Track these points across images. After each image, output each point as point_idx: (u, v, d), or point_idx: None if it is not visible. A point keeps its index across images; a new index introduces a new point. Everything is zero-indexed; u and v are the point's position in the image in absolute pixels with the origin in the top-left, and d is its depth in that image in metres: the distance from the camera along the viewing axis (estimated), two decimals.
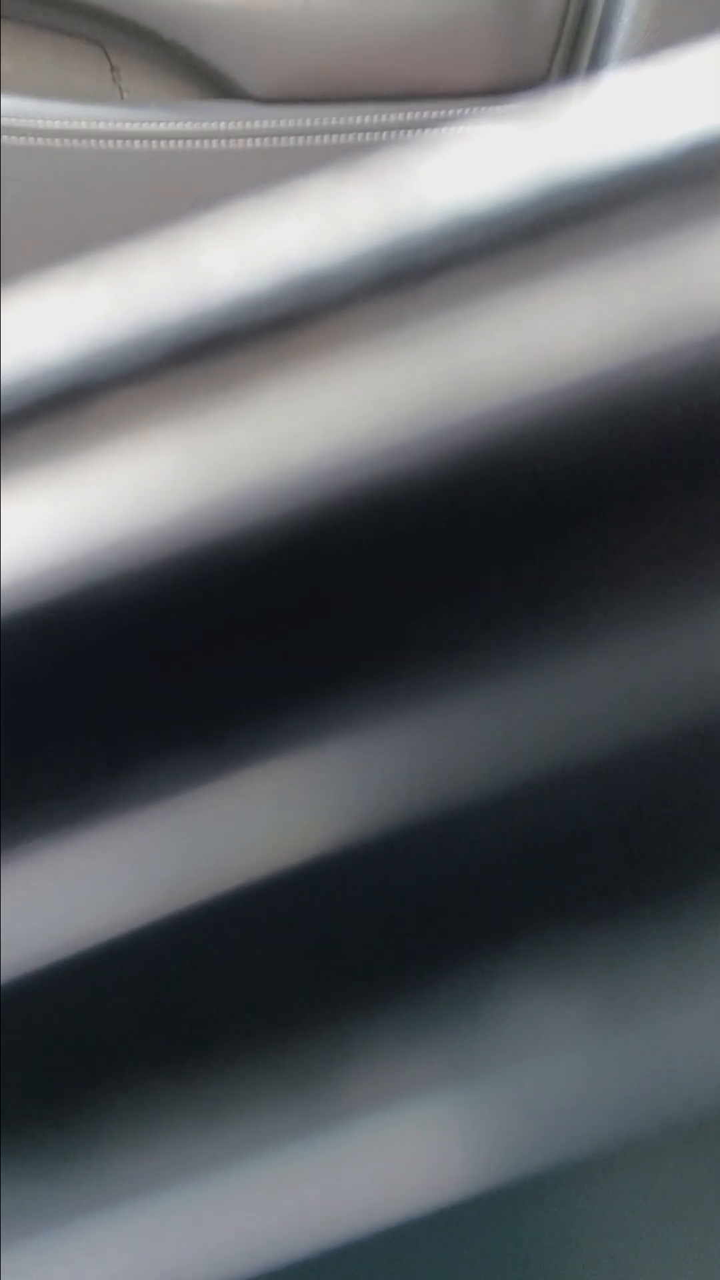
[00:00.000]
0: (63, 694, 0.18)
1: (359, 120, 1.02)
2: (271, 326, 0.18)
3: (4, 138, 1.01)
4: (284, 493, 0.18)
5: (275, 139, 1.02)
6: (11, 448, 0.18)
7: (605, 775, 0.18)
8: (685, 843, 0.19)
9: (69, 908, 0.18)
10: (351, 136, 1.02)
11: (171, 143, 1.02)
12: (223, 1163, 0.19)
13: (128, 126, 1.01)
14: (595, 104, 0.20)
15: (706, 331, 0.18)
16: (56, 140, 1.01)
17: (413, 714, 0.18)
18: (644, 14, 0.99)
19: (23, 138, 1.01)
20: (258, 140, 1.02)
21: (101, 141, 1.01)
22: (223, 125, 1.02)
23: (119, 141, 1.01)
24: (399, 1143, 0.19)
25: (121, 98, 1.04)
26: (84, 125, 1.01)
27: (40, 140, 1.01)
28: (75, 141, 1.01)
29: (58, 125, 1.01)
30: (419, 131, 1.03)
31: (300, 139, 1.02)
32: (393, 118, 1.03)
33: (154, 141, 1.01)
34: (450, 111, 1.03)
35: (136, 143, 1.01)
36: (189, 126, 1.02)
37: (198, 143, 1.02)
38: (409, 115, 1.03)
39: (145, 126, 1.01)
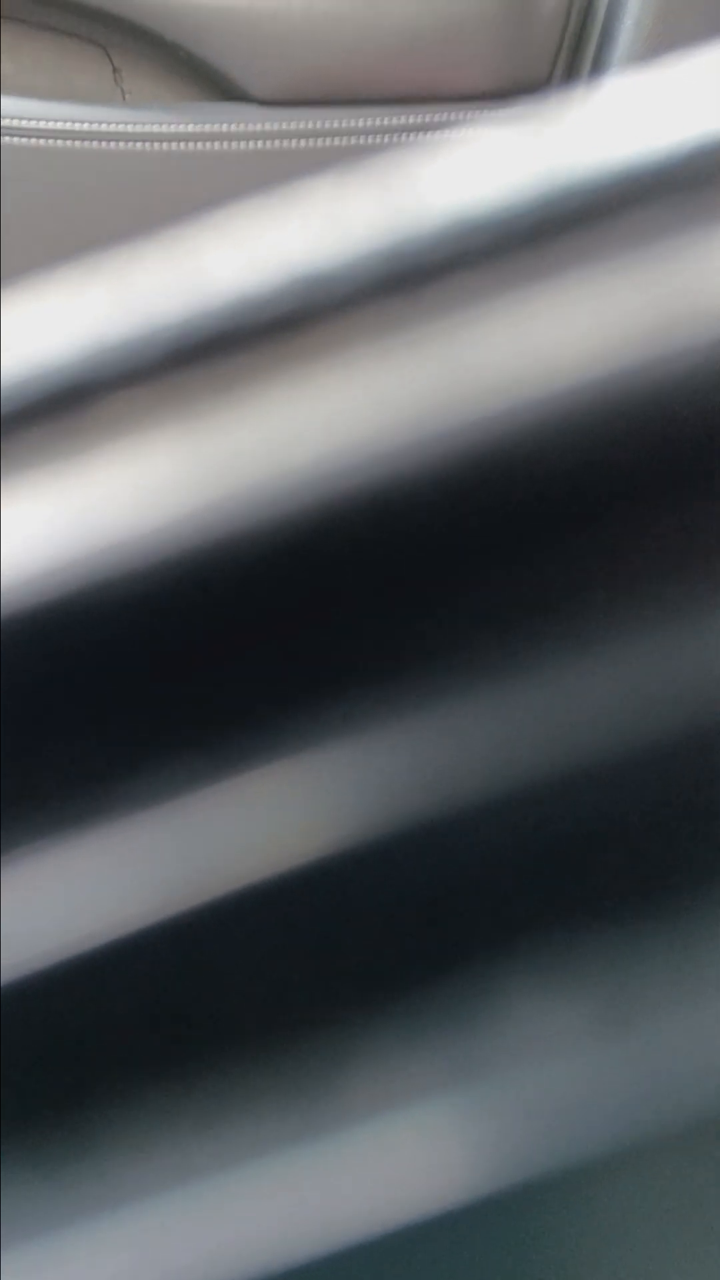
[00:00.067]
0: (63, 694, 0.18)
1: (361, 123, 1.02)
2: (273, 328, 0.18)
3: (5, 138, 1.01)
4: (285, 494, 0.18)
5: (277, 141, 1.02)
6: (12, 448, 0.18)
7: (606, 778, 0.18)
8: (686, 846, 0.19)
9: (69, 908, 0.18)
10: (354, 139, 1.02)
11: (173, 144, 1.02)
12: (222, 1165, 0.19)
13: (129, 128, 1.01)
14: (597, 108, 0.20)
15: (708, 336, 0.18)
16: (58, 141, 1.01)
17: (414, 716, 0.18)
18: (646, 18, 0.99)
19: (24, 139, 1.01)
20: (259, 142, 1.02)
21: (103, 143, 1.01)
22: (224, 127, 1.02)
23: (120, 143, 1.01)
24: (399, 1146, 0.19)
25: (123, 99, 1.04)
26: (85, 126, 1.01)
27: (42, 141, 1.01)
28: (77, 143, 1.01)
29: (59, 126, 1.01)
30: (421, 134, 1.03)
31: (302, 141, 1.02)
32: (395, 121, 1.03)
33: (156, 143, 1.02)
34: (452, 115, 1.03)
35: (138, 144, 1.01)
36: (191, 128, 1.02)
37: (199, 144, 1.02)
38: (411, 118, 1.03)
39: (147, 128, 1.01)
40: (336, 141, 1.02)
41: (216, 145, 1.02)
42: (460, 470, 0.18)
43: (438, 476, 0.18)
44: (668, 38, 0.99)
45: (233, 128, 1.02)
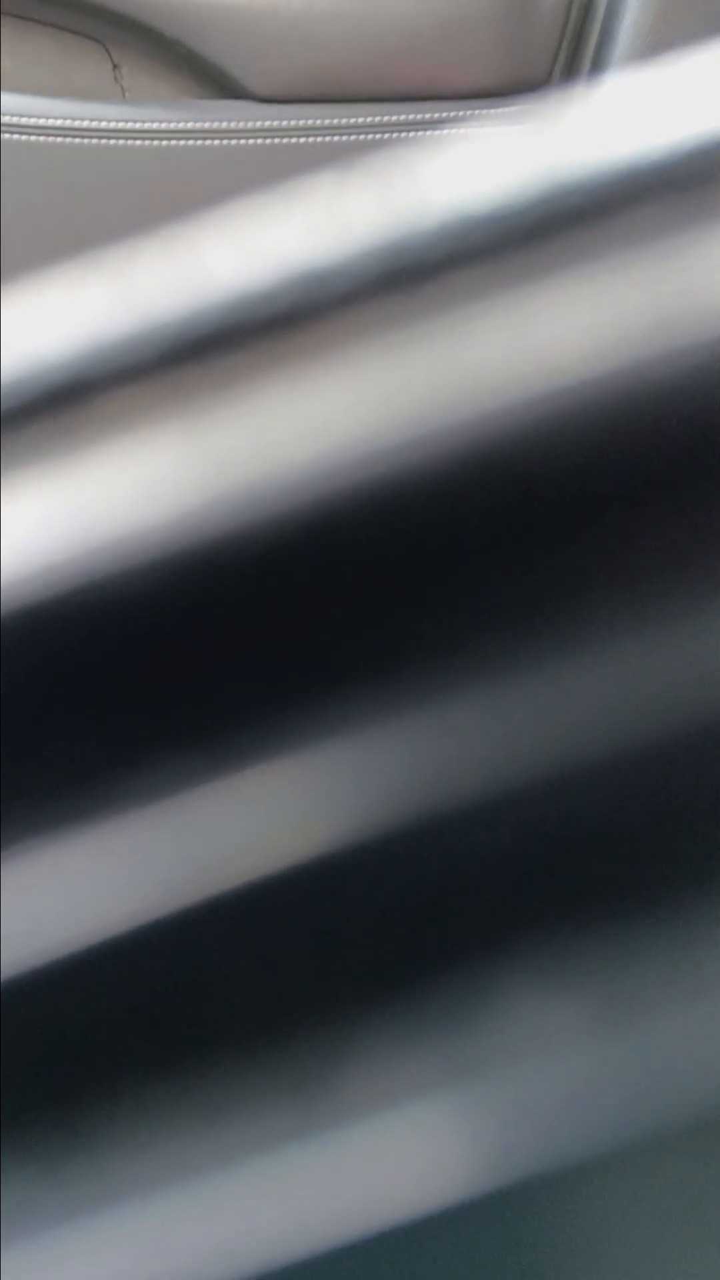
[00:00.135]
0: (62, 692, 0.18)
1: (361, 120, 1.02)
2: (272, 325, 0.18)
3: (5, 135, 1.01)
4: (284, 492, 0.18)
5: (276, 138, 1.02)
6: (12, 446, 0.18)
7: (605, 777, 0.18)
8: (685, 845, 0.19)
9: (69, 907, 0.18)
10: (353, 136, 1.02)
11: (173, 141, 1.02)
12: (221, 1162, 0.19)
13: (129, 125, 1.01)
14: (597, 106, 0.20)
15: (707, 334, 0.18)
16: (57, 138, 1.01)
17: (412, 715, 0.18)
18: (646, 17, 0.99)
19: (24, 135, 1.01)
20: (259, 139, 1.02)
21: (102, 139, 1.01)
22: (224, 124, 1.02)
23: (120, 139, 1.01)
24: (398, 1144, 0.19)
25: (123, 96, 1.04)
26: (85, 123, 1.01)
27: (41, 138, 1.01)
28: (76, 139, 1.01)
29: (59, 123, 1.01)
30: (421, 132, 1.03)
31: (301, 138, 1.02)
32: (395, 118, 1.03)
33: (155, 140, 1.02)
34: (452, 112, 1.03)
35: (138, 141, 1.01)
36: (190, 125, 1.02)
37: (199, 141, 1.02)
38: (411, 116, 1.03)
39: (146, 125, 1.01)
40: (336, 139, 1.02)
41: (216, 142, 1.02)
42: (460, 468, 0.18)
43: (437, 475, 0.18)
44: (667, 37, 0.99)
45: (232, 125, 1.02)
